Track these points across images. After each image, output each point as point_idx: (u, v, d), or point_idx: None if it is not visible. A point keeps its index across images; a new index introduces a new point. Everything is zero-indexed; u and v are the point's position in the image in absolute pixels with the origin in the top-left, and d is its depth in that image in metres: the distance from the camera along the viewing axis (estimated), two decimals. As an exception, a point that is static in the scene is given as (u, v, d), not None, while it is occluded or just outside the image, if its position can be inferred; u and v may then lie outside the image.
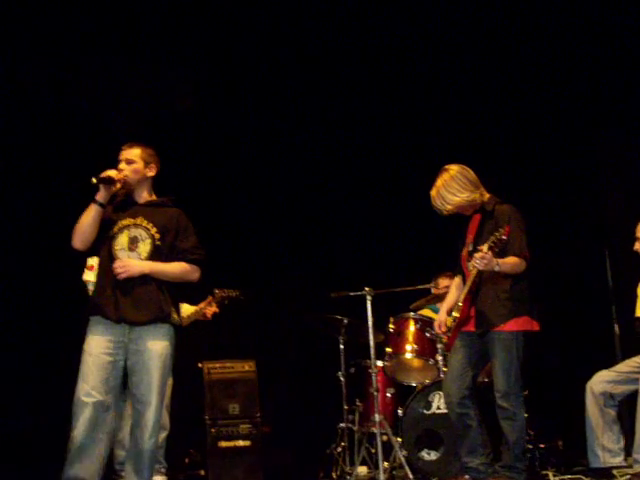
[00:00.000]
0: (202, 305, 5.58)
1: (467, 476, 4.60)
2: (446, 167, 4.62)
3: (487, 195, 4.64)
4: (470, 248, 4.54)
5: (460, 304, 4.58)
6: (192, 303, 5.66)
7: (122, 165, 4.28)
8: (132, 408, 4.19)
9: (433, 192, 4.60)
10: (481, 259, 4.27)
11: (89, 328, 4.13)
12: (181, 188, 6.77)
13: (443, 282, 5.99)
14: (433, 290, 6.11)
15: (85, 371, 4.04)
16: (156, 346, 4.15)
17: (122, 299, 4.11)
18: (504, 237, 4.24)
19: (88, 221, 4.12)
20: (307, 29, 6.66)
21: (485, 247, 4.27)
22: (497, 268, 4.30)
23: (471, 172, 4.60)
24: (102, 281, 4.18)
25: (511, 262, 4.38)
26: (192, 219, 6.86)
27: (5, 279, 6.26)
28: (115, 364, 4.09)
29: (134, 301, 4.13)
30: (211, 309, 5.45)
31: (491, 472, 4.51)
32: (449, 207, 4.56)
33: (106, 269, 4.17)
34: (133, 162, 4.30)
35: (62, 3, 6.13)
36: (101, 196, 4.14)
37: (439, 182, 4.58)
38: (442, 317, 4.74)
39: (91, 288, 5.19)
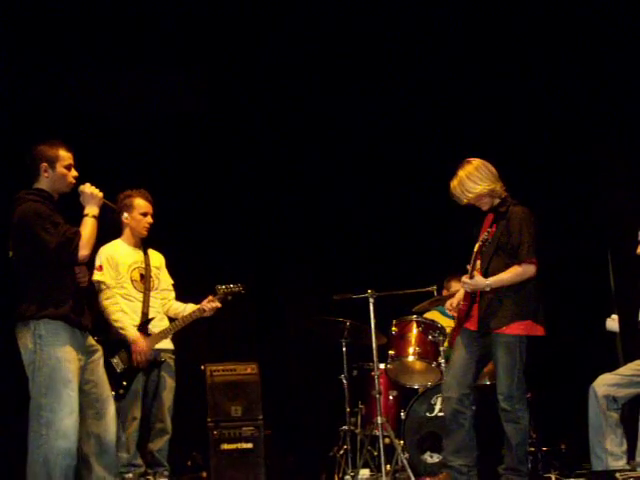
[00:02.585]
0: (203, 303, 5.53)
1: (445, 472, 4.62)
2: (468, 159, 4.68)
3: (505, 193, 4.67)
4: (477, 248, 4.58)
5: (461, 302, 4.62)
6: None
7: (74, 171, 4.30)
8: (88, 408, 4.16)
9: (454, 182, 4.65)
10: (467, 284, 4.46)
11: (55, 333, 4.05)
12: (182, 189, 6.85)
13: (455, 286, 5.96)
14: (444, 292, 6.10)
15: (71, 379, 4.02)
16: (99, 346, 4.33)
17: (82, 307, 4.22)
18: (488, 238, 4.42)
19: (94, 236, 4.15)
20: (316, 27, 6.65)
21: (476, 273, 4.42)
22: (488, 288, 4.44)
23: (492, 166, 4.67)
24: (59, 289, 4.11)
25: (506, 277, 4.46)
26: (194, 220, 6.92)
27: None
28: (82, 369, 4.16)
29: (84, 308, 4.27)
30: (211, 305, 5.41)
31: (472, 475, 4.53)
32: (470, 195, 4.60)
33: (64, 277, 4.14)
34: None
35: (66, 2, 6.14)
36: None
37: (461, 172, 4.63)
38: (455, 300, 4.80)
39: (103, 287, 5.23)
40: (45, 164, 4.21)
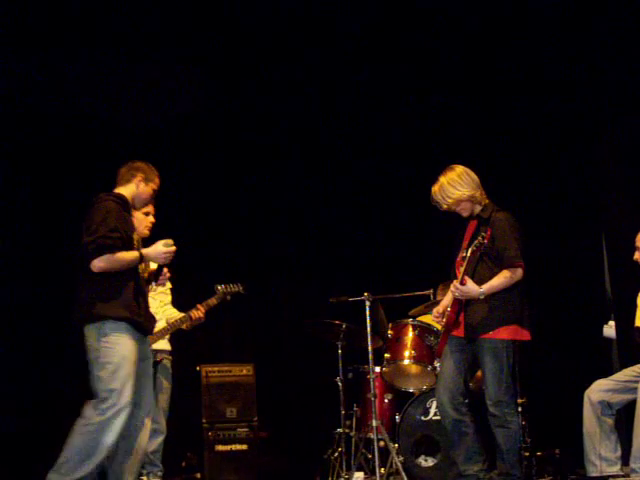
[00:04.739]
0: (191, 311, 5.52)
1: None
2: (451, 166, 4.70)
3: (486, 200, 4.67)
4: (464, 254, 4.58)
5: (448, 309, 4.62)
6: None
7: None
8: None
9: (435, 187, 4.67)
10: (457, 291, 4.44)
11: (119, 332, 4.17)
12: (179, 190, 6.84)
13: (445, 290, 5.96)
14: (438, 297, 6.10)
15: (131, 377, 4.15)
16: (151, 354, 4.52)
17: (146, 310, 4.38)
18: (485, 241, 4.39)
19: (124, 266, 4.22)
20: (311, 31, 6.66)
21: (467, 279, 4.42)
22: (482, 296, 4.43)
23: (474, 174, 4.67)
24: (124, 291, 4.23)
25: (498, 282, 4.47)
26: (190, 221, 6.91)
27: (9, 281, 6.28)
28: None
29: (149, 312, 4.45)
30: (196, 314, 5.43)
31: (489, 478, 4.52)
32: (449, 201, 4.61)
33: (128, 279, 4.25)
34: None
35: (63, 2, 6.13)
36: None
37: (442, 178, 4.65)
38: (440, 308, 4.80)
39: None
40: (142, 176, 4.49)
